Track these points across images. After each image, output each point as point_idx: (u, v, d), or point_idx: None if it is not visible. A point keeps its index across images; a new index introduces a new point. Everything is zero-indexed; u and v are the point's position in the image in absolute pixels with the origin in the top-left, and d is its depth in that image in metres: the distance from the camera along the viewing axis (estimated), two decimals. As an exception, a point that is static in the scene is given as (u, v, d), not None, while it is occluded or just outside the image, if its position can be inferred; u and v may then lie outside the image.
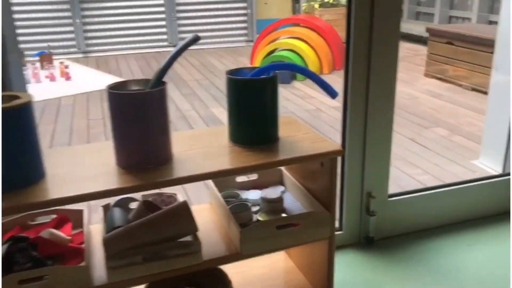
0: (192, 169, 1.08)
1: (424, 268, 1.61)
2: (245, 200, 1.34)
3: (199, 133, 1.31)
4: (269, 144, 1.20)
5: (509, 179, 1.93)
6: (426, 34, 4.90)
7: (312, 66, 4.86)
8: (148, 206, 1.19)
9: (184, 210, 1.12)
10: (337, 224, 1.76)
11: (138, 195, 1.28)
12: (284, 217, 1.23)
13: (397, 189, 2.28)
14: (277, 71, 1.19)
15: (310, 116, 3.58)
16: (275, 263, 1.53)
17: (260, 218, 1.26)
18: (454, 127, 3.24)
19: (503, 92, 2.29)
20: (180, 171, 1.08)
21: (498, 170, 2.33)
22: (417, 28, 6.38)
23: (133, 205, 1.28)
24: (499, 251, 1.70)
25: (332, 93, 1.16)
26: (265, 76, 1.18)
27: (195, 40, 1.13)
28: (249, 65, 5.28)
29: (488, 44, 3.75)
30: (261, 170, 1.39)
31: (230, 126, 1.21)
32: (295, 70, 1.20)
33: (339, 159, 1.37)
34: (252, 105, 1.17)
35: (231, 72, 1.20)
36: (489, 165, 2.45)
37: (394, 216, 1.77)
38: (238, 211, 1.25)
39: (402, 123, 3.32)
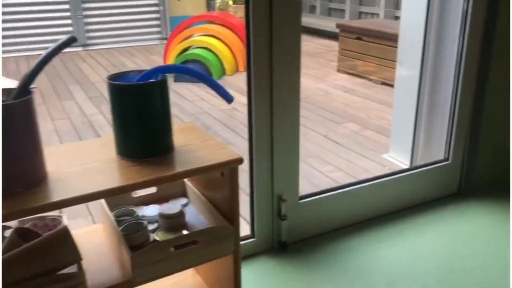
0: (69, 191, 0.93)
1: (337, 270, 1.58)
2: (141, 217, 1.22)
3: (83, 146, 1.16)
4: (162, 156, 1.08)
5: (416, 173, 1.96)
6: (337, 30, 5.00)
7: (228, 64, 4.78)
8: (22, 234, 1.03)
9: (63, 237, 0.97)
10: (249, 231, 1.68)
11: (14, 222, 1.11)
12: (182, 236, 1.12)
13: (310, 187, 2.26)
14: (166, 74, 1.08)
15: (225, 115, 3.49)
16: (183, 280, 1.42)
17: (157, 238, 1.14)
18: (365, 121, 3.30)
19: (408, 86, 2.34)
20: (54, 193, 0.93)
21: (406, 163, 2.38)
22: (330, 24, 6.52)
23: (8, 234, 1.11)
24: (407, 246, 1.71)
25: (227, 98, 1.07)
26: (152, 80, 1.06)
27: (70, 41, 0.99)
28: (162, 64, 5.09)
29: (394, 39, 3.86)
30: (150, 187, 1.27)
31: (116, 138, 1.08)
32: (186, 73, 1.09)
33: (246, 164, 1.28)
34: (139, 113, 1.04)
35: (113, 77, 1.07)
36: (398, 158, 2.50)
37: (307, 218, 1.73)
38: (131, 231, 1.12)
39: (316, 120, 3.33)
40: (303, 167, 2.48)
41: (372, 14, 6.80)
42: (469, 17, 1.83)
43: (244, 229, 1.68)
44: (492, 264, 1.60)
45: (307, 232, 1.74)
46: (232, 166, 1.08)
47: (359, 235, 1.77)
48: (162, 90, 1.06)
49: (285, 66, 1.51)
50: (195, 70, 1.10)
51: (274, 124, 1.56)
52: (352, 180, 2.36)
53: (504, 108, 2.04)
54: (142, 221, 1.17)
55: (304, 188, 2.10)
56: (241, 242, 1.64)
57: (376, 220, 1.86)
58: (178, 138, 1.16)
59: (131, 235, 1.11)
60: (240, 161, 1.09)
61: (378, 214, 1.89)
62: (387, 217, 1.88)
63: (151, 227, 1.20)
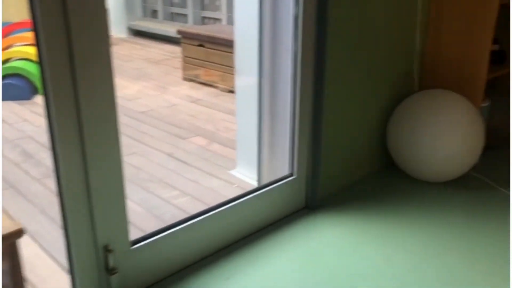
0: None
1: (182, 323, 1.35)
2: None
3: None
4: None
5: (263, 192, 1.82)
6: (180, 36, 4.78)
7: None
8: None
9: None
10: (70, 294, 1.36)
11: None
12: None
13: (153, 221, 2.00)
14: None
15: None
16: None
17: None
18: (213, 134, 3.13)
19: (248, 96, 2.21)
20: None
21: (255, 178, 2.26)
22: (173, 29, 6.28)
23: None
24: (258, 278, 1.55)
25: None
26: None
27: None
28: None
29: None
30: None
31: None
32: None
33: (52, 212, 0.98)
34: None
35: None
36: (246, 174, 2.37)
37: (142, 266, 1.47)
38: None
39: (160, 136, 3.07)
40: (144, 196, 2.21)
41: (215, 20, 6.74)
42: (300, 23, 1.74)
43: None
44: (340, 283, 1.52)
45: (144, 282, 1.48)
46: (8, 242, 0.78)
47: (205, 273, 1.56)
48: None
49: (93, 78, 1.22)
50: None
51: (87, 153, 1.26)
52: (199, 204, 2.16)
53: (342, 115, 2.02)
54: None
55: (146, 222, 1.87)
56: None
57: (225, 251, 1.67)
58: None
59: None
60: (19, 234, 0.79)
61: (226, 244, 1.71)
62: (237, 246, 1.71)
63: None
